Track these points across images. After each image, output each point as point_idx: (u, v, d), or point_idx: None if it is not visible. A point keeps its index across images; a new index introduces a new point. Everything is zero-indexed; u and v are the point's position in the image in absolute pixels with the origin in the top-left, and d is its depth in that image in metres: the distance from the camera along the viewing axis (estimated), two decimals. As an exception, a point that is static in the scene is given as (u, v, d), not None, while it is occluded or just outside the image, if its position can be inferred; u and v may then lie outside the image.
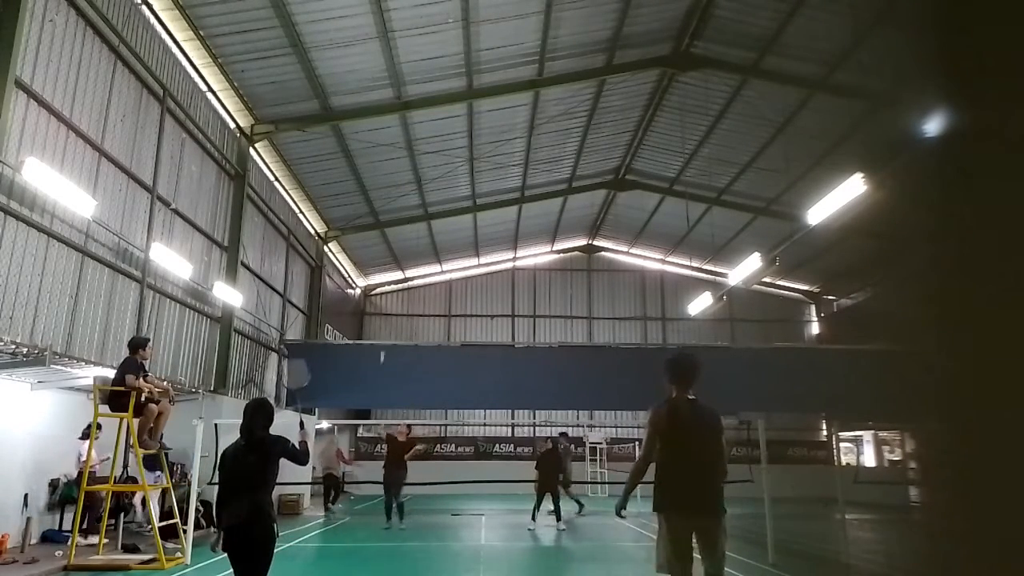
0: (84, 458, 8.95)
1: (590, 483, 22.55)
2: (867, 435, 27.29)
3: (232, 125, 14.49)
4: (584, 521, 15.05)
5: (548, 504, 13.43)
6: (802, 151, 17.52)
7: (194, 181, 13.06)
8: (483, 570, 9.30)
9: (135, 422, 8.56)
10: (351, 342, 23.86)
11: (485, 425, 25.82)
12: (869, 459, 27.33)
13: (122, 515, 9.72)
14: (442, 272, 27.86)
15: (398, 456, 13.00)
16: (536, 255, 28.61)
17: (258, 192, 15.85)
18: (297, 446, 4.98)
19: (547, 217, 24.95)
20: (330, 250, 22.01)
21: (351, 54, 13.49)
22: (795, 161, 17.64)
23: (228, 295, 13.82)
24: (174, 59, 12.01)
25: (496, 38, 14.05)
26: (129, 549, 9.26)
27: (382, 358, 10.52)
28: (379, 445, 22.73)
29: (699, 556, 4.07)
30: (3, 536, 8.23)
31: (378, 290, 28.04)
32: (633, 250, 28.57)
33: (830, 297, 28.37)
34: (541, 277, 28.77)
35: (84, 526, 9.58)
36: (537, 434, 26.60)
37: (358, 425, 24.41)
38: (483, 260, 27.74)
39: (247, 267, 15.53)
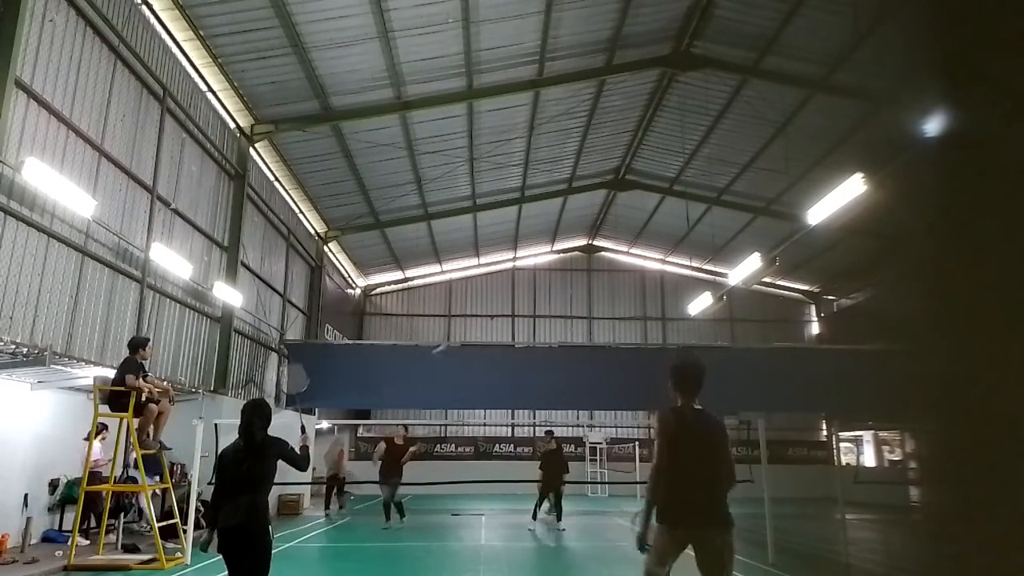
0: (95, 457, 8.98)
1: (590, 483, 22.57)
2: (867, 435, 27.28)
3: (232, 125, 14.49)
4: (584, 521, 15.05)
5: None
6: (802, 151, 17.51)
7: (194, 181, 13.06)
8: (483, 570, 9.30)
9: (135, 422, 8.56)
10: (351, 342, 23.85)
11: (485, 425, 25.83)
12: (869, 459, 27.33)
13: (122, 515, 9.71)
14: (442, 272, 27.86)
15: (395, 459, 13.01)
16: (536, 255, 28.61)
17: (258, 192, 15.85)
18: (297, 450, 4.98)
19: (547, 217, 24.95)
20: (330, 250, 22.01)
21: (351, 54, 13.49)
22: (795, 161, 17.63)
23: (228, 295, 13.82)
24: (174, 59, 12.01)
25: (496, 38, 14.05)
26: (129, 549, 9.26)
27: (442, 346, 10.49)
28: (380, 443, 22.70)
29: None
30: (3, 536, 8.24)
31: (378, 290, 28.04)
32: (633, 250, 28.57)
33: (830, 297, 28.37)
34: (541, 277, 28.78)
35: (85, 526, 9.59)
36: (537, 434, 26.63)
37: (358, 425, 24.42)
38: (483, 260, 27.74)
39: (247, 267, 15.53)
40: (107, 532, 9.28)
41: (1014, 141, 0.86)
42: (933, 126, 0.94)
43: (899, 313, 1.01)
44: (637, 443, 23.97)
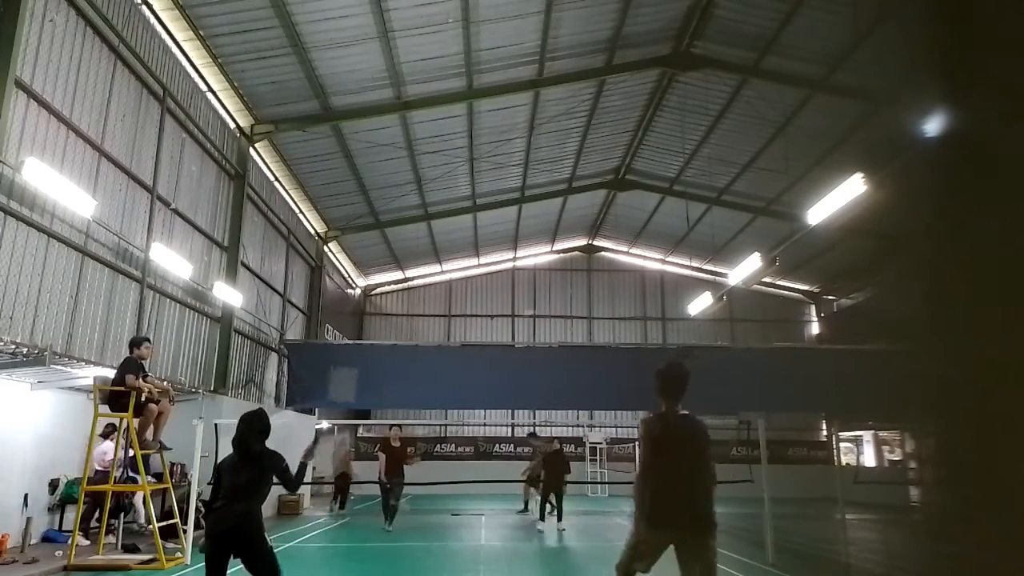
0: (110, 456, 8.99)
1: (590, 483, 22.57)
2: (867, 435, 27.28)
3: (232, 125, 14.49)
4: (584, 521, 15.06)
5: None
6: (802, 151, 17.52)
7: (194, 181, 13.06)
8: (483, 570, 9.30)
9: (135, 422, 8.57)
10: (351, 342, 23.86)
11: (485, 425, 25.83)
12: (869, 459, 27.33)
13: (122, 515, 9.72)
14: (442, 272, 27.86)
15: (397, 462, 12.99)
16: (536, 255, 28.61)
17: (258, 192, 15.85)
18: (298, 461, 4.94)
19: (547, 217, 24.95)
20: (330, 250, 22.01)
21: (351, 54, 13.49)
22: (795, 161, 17.63)
23: (228, 295, 13.82)
24: (174, 59, 12.01)
25: (496, 38, 14.05)
26: (129, 549, 9.26)
27: (531, 315, 10.55)
28: (378, 446, 22.71)
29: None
30: (3, 536, 8.23)
31: (378, 290, 28.04)
32: (633, 250, 28.58)
33: (830, 297, 28.37)
34: (541, 277, 28.78)
35: (88, 526, 9.59)
36: (537, 434, 26.62)
37: (358, 425, 24.42)
38: (483, 260, 27.74)
39: (247, 267, 15.53)
40: (107, 532, 9.27)
41: (1014, 141, 0.86)
42: (933, 126, 0.94)
43: (899, 313, 1.01)
44: (637, 443, 23.91)
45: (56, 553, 8.47)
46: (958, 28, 0.93)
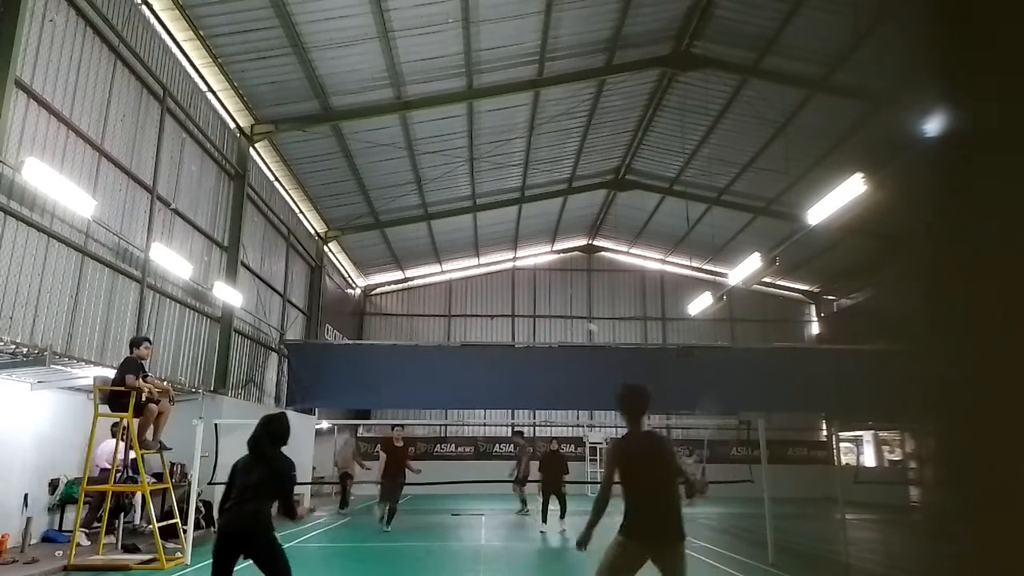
0: (118, 457, 8.99)
1: (590, 483, 22.56)
2: (867, 435, 27.29)
3: (232, 125, 14.49)
4: (584, 521, 15.03)
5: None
6: (802, 151, 17.52)
7: (194, 181, 13.06)
8: (483, 570, 9.30)
9: (135, 422, 8.57)
10: (351, 342, 23.86)
11: (485, 425, 25.82)
12: (869, 459, 27.33)
13: (122, 515, 9.71)
14: (442, 272, 27.86)
15: (400, 463, 12.97)
16: (536, 255, 28.61)
17: (258, 192, 15.85)
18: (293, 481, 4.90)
19: (547, 217, 24.95)
20: (330, 250, 22.01)
21: (351, 54, 13.49)
22: (795, 161, 17.64)
23: (228, 295, 13.82)
24: (174, 59, 12.01)
25: (496, 38, 14.05)
26: (129, 549, 9.26)
27: (592, 333, 10.55)
28: (377, 446, 22.71)
29: None
30: (3, 536, 8.23)
31: (378, 290, 28.04)
32: (633, 250, 28.58)
33: (830, 297, 28.37)
34: (541, 277, 28.78)
35: (91, 525, 9.59)
36: (538, 434, 26.62)
37: (358, 425, 24.41)
38: (483, 260, 27.74)
39: (247, 267, 15.53)
40: (107, 532, 9.27)
41: (1014, 141, 0.86)
42: (933, 126, 0.94)
43: (899, 313, 1.01)
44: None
45: (56, 553, 8.47)
46: (958, 28, 0.93)
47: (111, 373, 8.91)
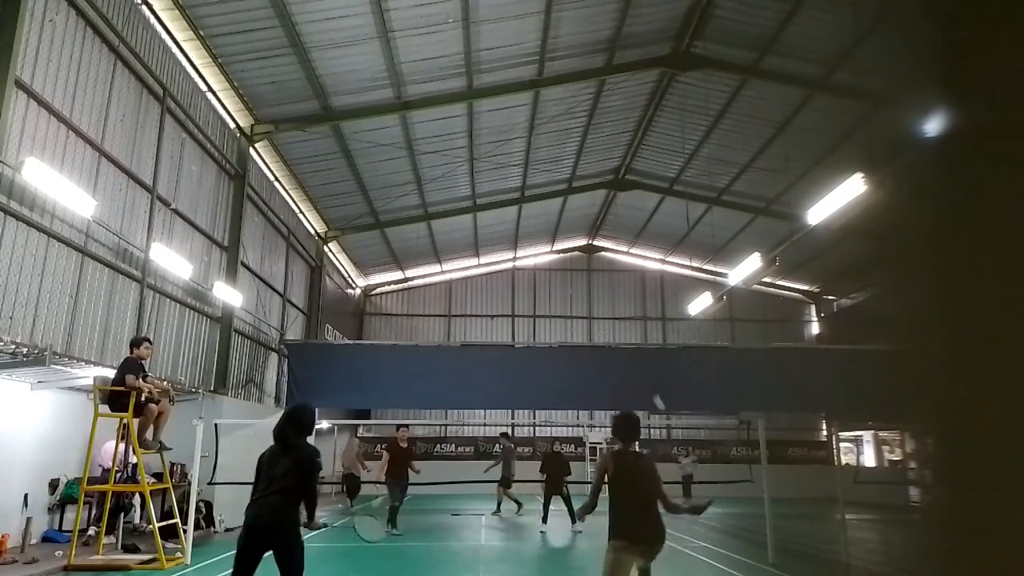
0: (123, 456, 9.00)
1: (590, 483, 22.54)
2: (867, 435, 27.29)
3: (232, 125, 14.49)
4: (584, 521, 15.02)
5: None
6: (802, 151, 17.52)
7: (194, 181, 13.06)
8: (483, 570, 9.30)
9: (135, 422, 8.57)
10: (351, 342, 23.85)
11: (485, 425, 25.82)
12: (869, 459, 27.33)
13: (122, 515, 9.72)
14: (442, 272, 27.86)
15: (403, 463, 12.96)
16: (536, 255, 28.61)
17: (258, 192, 15.85)
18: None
19: (547, 217, 24.95)
20: (330, 250, 22.01)
21: (351, 54, 13.49)
22: (795, 161, 17.64)
23: (228, 295, 13.82)
24: (174, 59, 12.01)
25: (496, 38, 14.05)
26: (129, 549, 9.26)
27: (658, 402, 10.55)
28: (378, 446, 22.75)
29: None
30: (3, 536, 8.23)
31: (378, 290, 28.05)
32: (633, 250, 28.58)
33: (830, 297, 28.37)
34: (541, 277, 28.78)
35: (97, 524, 9.60)
36: (537, 434, 26.63)
37: (358, 425, 24.41)
38: (483, 260, 27.74)
39: (247, 267, 15.53)
40: (107, 532, 9.27)
41: (1014, 141, 0.86)
42: (933, 126, 0.94)
43: (899, 313, 1.01)
44: (636, 443, 23.92)
45: (56, 553, 8.47)
46: (958, 28, 0.93)
47: (111, 373, 8.91)
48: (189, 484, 9.87)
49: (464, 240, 25.03)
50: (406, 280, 27.86)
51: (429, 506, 17.64)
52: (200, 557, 9.12)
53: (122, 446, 9.08)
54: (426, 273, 27.70)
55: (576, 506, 13.49)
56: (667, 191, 22.35)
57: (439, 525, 14.35)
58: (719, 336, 27.13)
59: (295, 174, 17.57)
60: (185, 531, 9.05)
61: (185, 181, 12.67)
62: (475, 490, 19.80)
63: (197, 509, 9.94)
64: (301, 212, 19.23)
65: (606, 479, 5.11)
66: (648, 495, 4.97)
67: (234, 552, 4.54)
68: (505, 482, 15.55)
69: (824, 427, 26.52)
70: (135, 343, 8.86)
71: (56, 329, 9.04)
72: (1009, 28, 0.88)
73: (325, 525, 5.23)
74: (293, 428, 4.73)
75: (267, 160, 16.49)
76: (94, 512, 9.87)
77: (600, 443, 24.06)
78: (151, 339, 9.45)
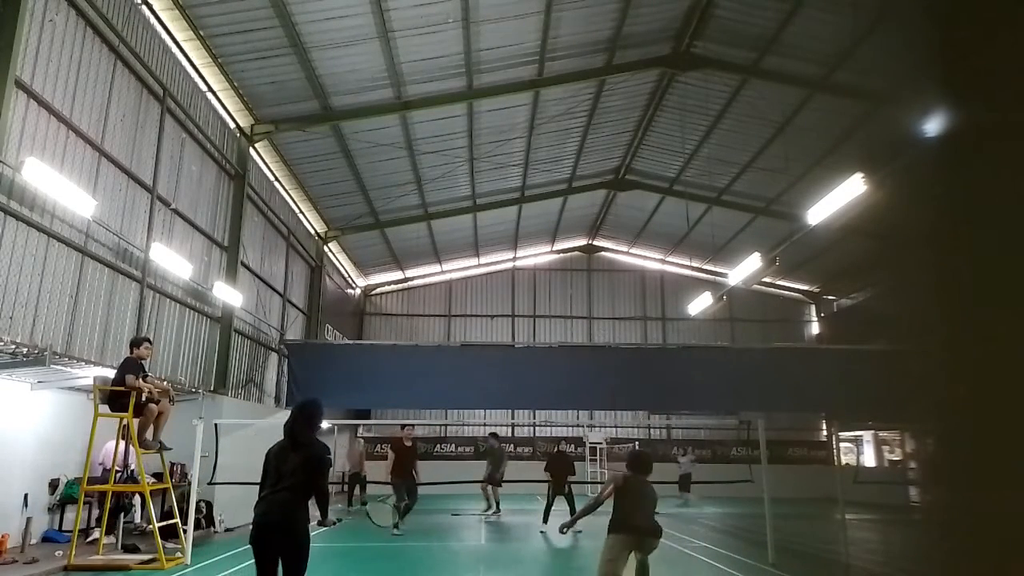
0: (124, 455, 9.00)
1: (590, 483, 22.56)
2: (867, 435, 27.29)
3: (232, 125, 14.49)
4: (584, 521, 15.03)
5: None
6: (802, 151, 17.52)
7: (194, 181, 13.06)
8: (483, 570, 9.30)
9: (135, 422, 8.57)
10: (351, 342, 23.86)
11: (485, 425, 25.77)
12: (869, 459, 27.34)
13: (122, 515, 9.72)
14: (442, 272, 27.86)
15: (408, 463, 12.96)
16: (536, 255, 28.61)
17: (258, 192, 15.85)
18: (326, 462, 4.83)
19: (547, 217, 24.95)
20: (330, 250, 22.01)
21: (351, 54, 13.49)
22: (795, 161, 17.64)
23: (228, 295, 13.82)
24: (174, 59, 12.01)
25: (496, 38, 14.05)
26: (129, 549, 9.26)
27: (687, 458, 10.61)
28: (379, 445, 22.75)
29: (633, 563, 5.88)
30: (3, 536, 8.23)
31: (378, 290, 28.04)
32: (633, 250, 28.58)
33: (830, 297, 28.37)
34: (541, 277, 28.77)
35: (87, 526, 9.59)
36: (537, 434, 26.64)
37: (358, 425, 24.41)
38: (483, 260, 27.74)
39: (247, 267, 15.53)
40: (107, 532, 9.27)
41: (1014, 141, 0.86)
42: (933, 126, 0.94)
43: (899, 313, 1.01)
44: (636, 443, 23.96)
45: (56, 553, 8.47)
46: (958, 28, 0.93)
47: (111, 373, 8.91)
48: (189, 484, 9.87)
49: (464, 240, 25.03)
50: (406, 280, 27.86)
51: (429, 506, 17.64)
52: (200, 557, 9.12)
53: (122, 446, 9.08)
54: (426, 273, 27.70)
55: (579, 506, 13.57)
56: (667, 191, 22.34)
57: (439, 525, 14.35)
58: (719, 336, 27.12)
59: (295, 174, 17.57)
60: (185, 531, 9.05)
61: (185, 181, 12.67)
62: (475, 490, 19.79)
63: (197, 509, 9.94)
64: (301, 212, 19.23)
65: (611, 492, 5.99)
66: (648, 508, 5.93)
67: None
68: (491, 480, 15.60)
69: (824, 427, 26.52)
70: (135, 343, 8.87)
71: (56, 329, 9.04)
72: (1009, 28, 0.88)
73: (338, 521, 5.20)
74: (305, 423, 4.71)
75: (267, 160, 16.49)
76: (94, 512, 9.87)
77: (600, 443, 24.08)
78: (151, 339, 9.45)
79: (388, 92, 14.91)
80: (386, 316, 28.01)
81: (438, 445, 25.63)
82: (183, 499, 10.05)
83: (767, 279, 24.56)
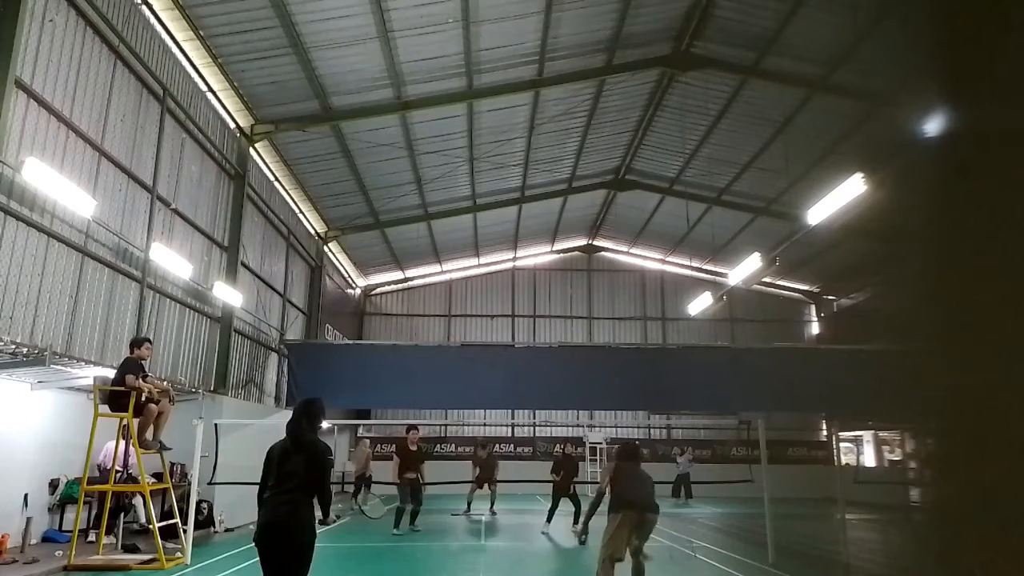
0: (124, 456, 9.00)
1: (591, 483, 22.56)
2: (867, 435, 27.28)
3: (232, 125, 14.49)
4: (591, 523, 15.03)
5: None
6: (802, 151, 17.51)
7: (194, 181, 13.06)
8: (483, 570, 9.30)
9: (135, 422, 8.57)
10: (351, 342, 23.85)
11: (485, 425, 25.81)
12: (869, 459, 27.33)
13: (122, 515, 9.72)
14: (442, 272, 27.86)
15: (416, 465, 12.94)
16: (536, 255, 28.61)
17: (258, 192, 15.85)
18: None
19: (547, 217, 24.95)
20: (330, 250, 22.00)
21: (351, 54, 13.49)
22: (795, 161, 17.63)
23: (228, 295, 13.82)
24: (174, 59, 12.01)
25: (496, 38, 14.05)
26: (129, 549, 9.26)
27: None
28: (379, 445, 22.74)
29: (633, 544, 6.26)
30: (3, 536, 8.23)
31: (378, 290, 28.04)
32: (633, 250, 28.57)
33: (830, 297, 28.37)
34: (541, 277, 28.77)
35: (87, 527, 9.59)
36: (537, 434, 26.64)
37: (358, 425, 24.42)
38: (483, 260, 27.74)
39: (247, 267, 15.52)
40: (107, 532, 9.27)
41: (1014, 141, 0.86)
42: (933, 126, 0.94)
43: (899, 313, 1.01)
44: (636, 443, 23.92)
45: (56, 553, 8.47)
46: (958, 28, 0.93)
47: (111, 373, 8.91)
48: (189, 484, 9.87)
49: (464, 240, 25.03)
50: (406, 280, 27.86)
51: (429, 506, 17.61)
52: (200, 557, 9.12)
53: (122, 446, 9.08)
54: (426, 273, 27.70)
55: (567, 507, 13.63)
56: (667, 191, 22.34)
57: (439, 525, 14.35)
58: (719, 336, 27.11)
59: (295, 174, 17.56)
60: (185, 531, 9.05)
61: (185, 181, 12.67)
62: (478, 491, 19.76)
63: (197, 510, 9.93)
64: (301, 212, 19.23)
65: (609, 480, 6.41)
66: (646, 487, 6.33)
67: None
68: (479, 482, 15.93)
69: (824, 427, 26.51)
70: (135, 343, 8.86)
71: (56, 329, 9.04)
72: (1009, 29, 0.88)
73: (337, 518, 5.19)
74: (307, 423, 4.71)
75: (267, 160, 16.48)
76: (95, 512, 9.87)
77: (600, 443, 24.08)
78: (151, 339, 9.45)
79: (388, 92, 14.91)
80: (386, 316, 28.01)
81: (438, 445, 25.62)
82: (183, 499, 10.04)
83: (767, 279, 24.56)
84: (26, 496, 9.09)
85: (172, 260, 11.56)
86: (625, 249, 28.69)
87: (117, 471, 9.00)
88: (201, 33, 12.05)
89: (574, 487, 13.55)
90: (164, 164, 11.71)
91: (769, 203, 21.29)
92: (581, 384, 14.57)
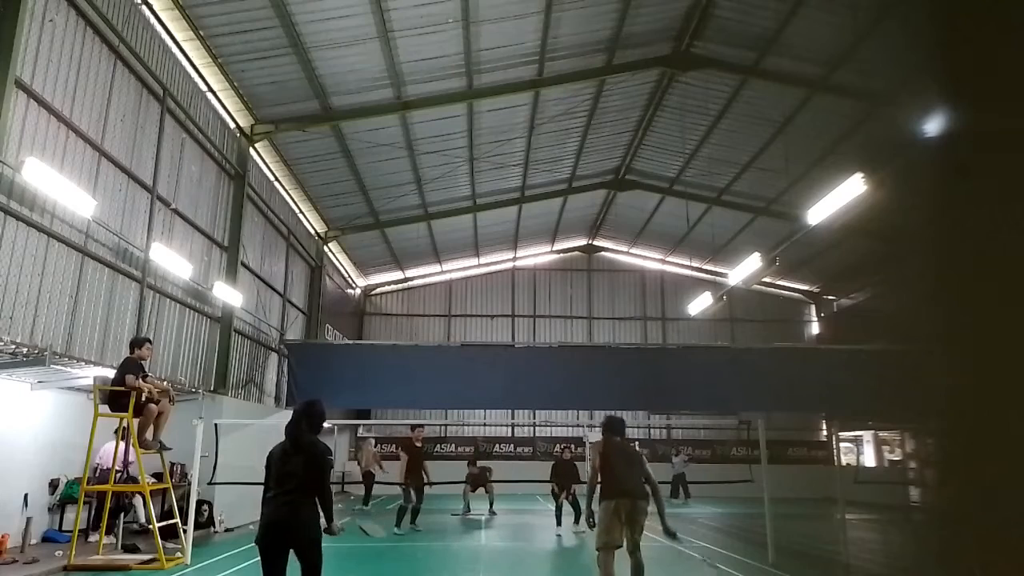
0: (123, 456, 9.00)
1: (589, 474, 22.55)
2: (867, 435, 27.28)
3: (232, 125, 14.49)
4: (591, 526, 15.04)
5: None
6: (802, 151, 17.51)
7: (194, 181, 13.06)
8: (483, 570, 9.30)
9: (135, 422, 8.57)
10: (351, 342, 23.86)
11: (485, 425, 25.83)
12: (869, 459, 27.33)
13: (122, 515, 9.72)
14: (442, 272, 27.86)
15: (419, 464, 12.97)
16: (536, 255, 28.61)
17: (258, 192, 15.85)
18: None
19: (547, 217, 24.95)
20: (330, 250, 22.01)
21: (351, 54, 13.49)
22: (795, 161, 17.63)
23: (228, 295, 13.82)
24: (174, 59, 12.00)
25: (496, 38, 14.05)
26: (129, 549, 9.26)
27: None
28: (380, 445, 22.74)
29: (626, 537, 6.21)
30: (3, 536, 8.23)
31: (378, 290, 28.04)
32: (633, 250, 28.58)
33: (830, 297, 28.36)
34: (541, 277, 28.78)
35: (87, 527, 9.58)
36: (538, 434, 26.64)
37: (358, 425, 24.41)
38: (483, 260, 27.74)
39: (247, 267, 15.52)
40: (107, 532, 9.27)
41: (1014, 141, 0.86)
42: (933, 126, 0.94)
43: (899, 313, 1.02)
44: (636, 443, 23.92)
45: (56, 553, 8.47)
46: (958, 28, 0.93)
47: (111, 373, 8.91)
48: (189, 484, 9.86)
49: (464, 240, 25.03)
50: (406, 280, 27.86)
51: (429, 506, 17.61)
52: (200, 557, 9.12)
53: (122, 446, 9.08)
54: (426, 273, 27.70)
55: (582, 505, 13.66)
56: (667, 191, 22.34)
57: (439, 525, 14.35)
58: (719, 336, 27.11)
59: (295, 174, 17.57)
60: (185, 531, 9.05)
61: (185, 181, 12.67)
62: (477, 491, 19.76)
63: (197, 510, 9.93)
64: (301, 212, 19.23)
65: (598, 461, 6.40)
66: (630, 469, 6.30)
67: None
68: (473, 486, 16.32)
69: (824, 427, 26.51)
70: (136, 343, 8.86)
71: (56, 329, 9.04)
72: (1009, 29, 0.88)
73: (343, 529, 5.17)
74: (307, 424, 4.71)
75: (267, 160, 16.49)
76: (94, 512, 9.86)
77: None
78: (151, 339, 9.45)
79: (388, 92, 14.91)
80: (386, 316, 28.01)
81: (438, 445, 25.62)
82: (183, 499, 10.04)
83: (767, 279, 24.56)
84: (26, 496, 9.09)
85: (172, 260, 11.56)
86: (625, 249, 28.69)
87: (117, 471, 9.00)
88: (201, 33, 12.05)
89: (573, 492, 13.49)
90: (164, 164, 11.71)
91: (769, 203, 21.29)
92: (581, 384, 14.57)
